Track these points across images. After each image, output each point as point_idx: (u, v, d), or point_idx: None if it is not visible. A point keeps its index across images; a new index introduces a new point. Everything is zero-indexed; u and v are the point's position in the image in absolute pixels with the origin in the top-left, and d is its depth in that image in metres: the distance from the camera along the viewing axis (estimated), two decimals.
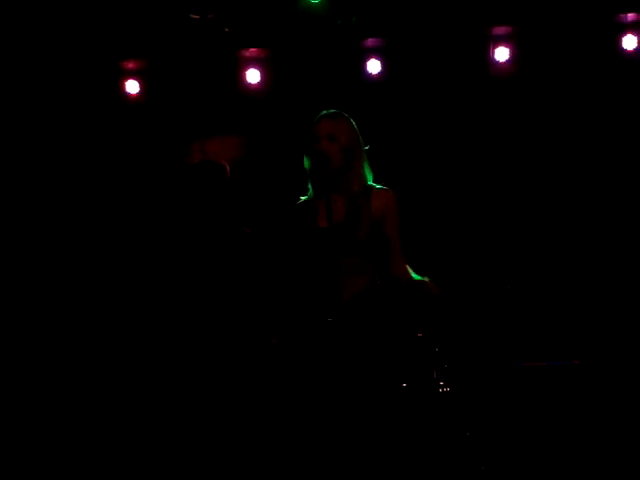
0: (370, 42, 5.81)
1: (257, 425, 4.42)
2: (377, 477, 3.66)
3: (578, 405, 4.93)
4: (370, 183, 4.03)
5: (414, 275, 3.98)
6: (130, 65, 5.89)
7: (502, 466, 4.63)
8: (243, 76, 5.90)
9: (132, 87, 5.93)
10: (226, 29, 5.59)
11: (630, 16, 5.55)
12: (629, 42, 5.60)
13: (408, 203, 5.36)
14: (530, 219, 5.78)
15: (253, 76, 5.89)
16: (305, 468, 3.75)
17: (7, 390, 5.36)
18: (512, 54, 5.72)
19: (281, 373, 3.91)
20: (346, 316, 3.73)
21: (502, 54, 5.73)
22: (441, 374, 4.49)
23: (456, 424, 4.38)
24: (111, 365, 5.53)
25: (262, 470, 4.07)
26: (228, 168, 4.51)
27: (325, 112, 4.05)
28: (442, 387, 4.45)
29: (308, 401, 3.75)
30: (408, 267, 3.98)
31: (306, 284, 3.89)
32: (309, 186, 4.06)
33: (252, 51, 5.85)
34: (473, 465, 4.19)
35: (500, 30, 5.70)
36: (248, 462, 4.16)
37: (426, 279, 3.92)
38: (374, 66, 5.82)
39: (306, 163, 4.01)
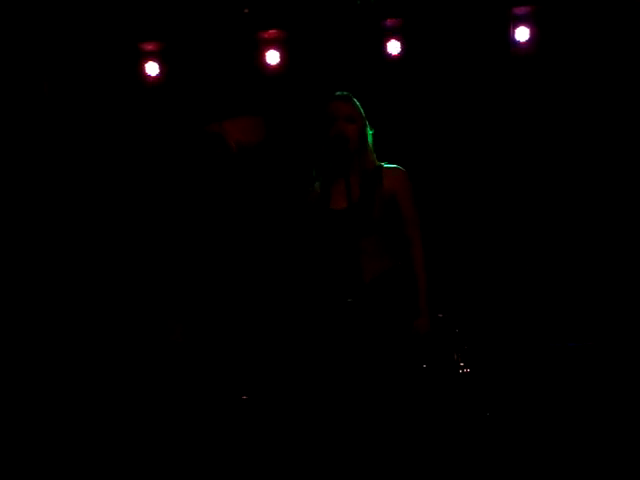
0: (390, 22, 5.77)
1: (275, 406, 4.44)
2: (397, 457, 3.68)
3: (597, 387, 4.93)
4: (379, 163, 4.02)
5: None
6: (149, 47, 5.89)
7: (522, 446, 4.64)
8: (262, 57, 5.89)
9: (152, 69, 5.93)
10: (245, 10, 5.58)
11: None
12: None
13: (426, 182, 5.38)
14: (549, 200, 5.76)
15: (272, 57, 5.89)
16: (323, 447, 3.78)
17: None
18: (533, 34, 5.69)
19: (301, 355, 3.93)
20: (367, 297, 3.74)
21: (523, 34, 5.69)
22: (461, 355, 4.50)
23: (476, 405, 4.40)
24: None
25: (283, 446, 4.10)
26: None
27: (337, 94, 4.03)
28: (462, 368, 4.47)
29: (327, 383, 3.77)
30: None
31: (327, 267, 3.89)
32: (313, 173, 4.05)
33: (271, 32, 5.84)
34: (492, 444, 4.21)
35: (521, 10, 5.66)
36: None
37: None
38: (394, 46, 5.79)
39: (320, 145, 3.98)
